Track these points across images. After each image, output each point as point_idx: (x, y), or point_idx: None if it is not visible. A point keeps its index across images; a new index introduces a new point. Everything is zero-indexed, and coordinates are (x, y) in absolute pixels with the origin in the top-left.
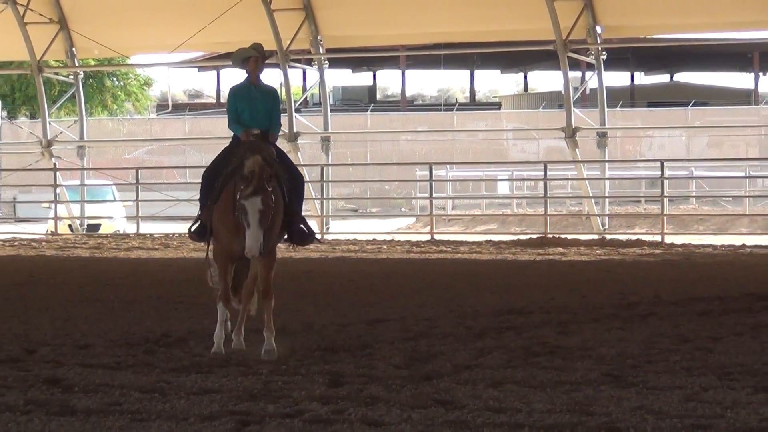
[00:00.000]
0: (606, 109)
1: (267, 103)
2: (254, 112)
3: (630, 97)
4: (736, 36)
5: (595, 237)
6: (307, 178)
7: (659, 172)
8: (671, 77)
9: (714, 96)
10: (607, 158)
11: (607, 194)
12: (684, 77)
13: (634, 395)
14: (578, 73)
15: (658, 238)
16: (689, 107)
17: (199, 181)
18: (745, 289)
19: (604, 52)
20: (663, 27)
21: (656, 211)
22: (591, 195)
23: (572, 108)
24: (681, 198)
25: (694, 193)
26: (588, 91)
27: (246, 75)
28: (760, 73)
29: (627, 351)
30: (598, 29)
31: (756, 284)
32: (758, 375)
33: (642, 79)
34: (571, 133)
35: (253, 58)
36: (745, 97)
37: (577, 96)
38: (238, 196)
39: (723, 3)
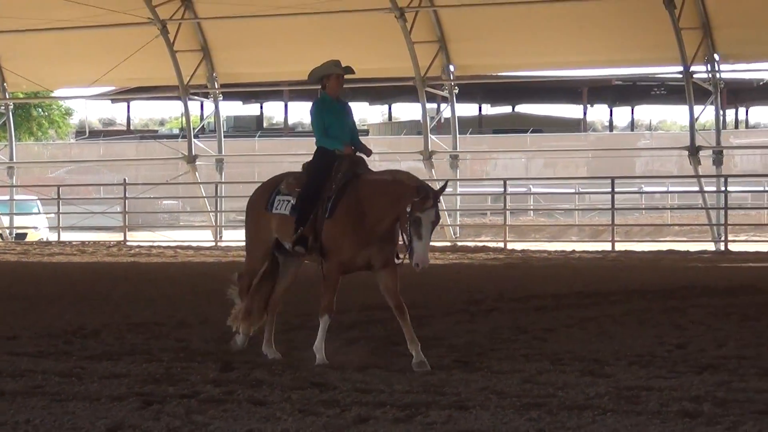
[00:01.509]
0: (458, 135)
1: (350, 118)
2: (341, 126)
3: (478, 125)
4: (568, 73)
5: (448, 244)
6: (203, 193)
7: (503, 189)
8: (513, 108)
9: (549, 124)
10: (458, 177)
11: (458, 207)
12: (524, 108)
13: (480, 378)
14: (434, 105)
15: (501, 245)
16: (528, 134)
17: (113, 196)
18: (575, 288)
19: (456, 87)
20: (506, 66)
21: (500, 222)
22: (445, 208)
23: (429, 134)
24: (521, 211)
25: (532, 207)
26: (443, 120)
27: (322, 90)
28: (588, 105)
29: (474, 341)
30: (451, 68)
31: (583, 284)
32: (585, 361)
33: (488, 109)
34: (428, 156)
35: (335, 75)
36: (576, 126)
37: (433, 124)
38: (409, 208)
39: (557, 45)
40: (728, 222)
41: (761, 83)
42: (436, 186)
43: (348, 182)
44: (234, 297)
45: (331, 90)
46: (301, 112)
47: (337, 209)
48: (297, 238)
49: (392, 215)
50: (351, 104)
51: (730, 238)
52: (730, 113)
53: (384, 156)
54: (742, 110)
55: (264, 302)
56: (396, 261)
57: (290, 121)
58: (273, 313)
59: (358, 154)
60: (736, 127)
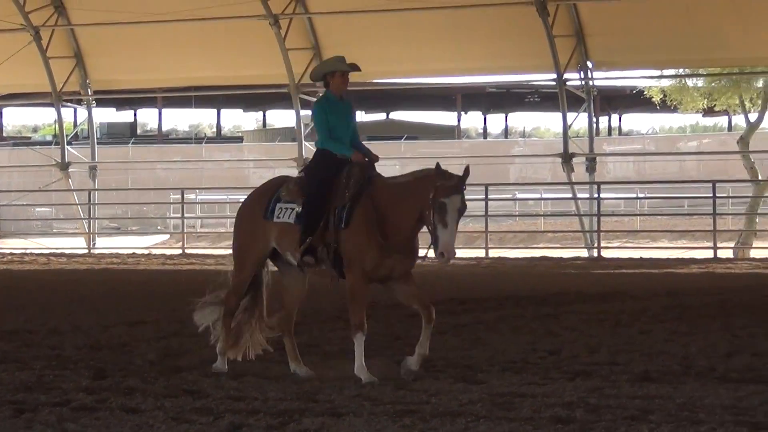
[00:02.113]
0: None
1: (353, 118)
2: (345, 127)
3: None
4: (442, 80)
5: None
6: (76, 200)
7: None
8: (387, 115)
9: (423, 131)
10: None
11: None
12: (398, 115)
13: (354, 385)
14: (309, 112)
15: None
16: (402, 141)
17: None
18: (448, 295)
19: None
20: (380, 73)
21: None
22: None
23: (303, 141)
24: None
25: None
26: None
27: (326, 89)
28: (462, 112)
29: (348, 348)
30: None
31: (457, 291)
32: (458, 367)
33: (363, 116)
34: (303, 163)
35: (339, 72)
36: (450, 132)
37: (307, 131)
38: (432, 195)
39: (431, 52)
40: (601, 228)
41: (634, 91)
42: None
43: (361, 189)
44: (205, 320)
45: (335, 88)
46: (175, 118)
47: (354, 217)
48: (305, 249)
49: (415, 214)
50: (224, 111)
51: (603, 244)
52: (603, 120)
53: (258, 163)
54: (615, 117)
55: (250, 321)
56: (418, 258)
57: (164, 128)
58: (290, 327)
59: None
60: (610, 134)
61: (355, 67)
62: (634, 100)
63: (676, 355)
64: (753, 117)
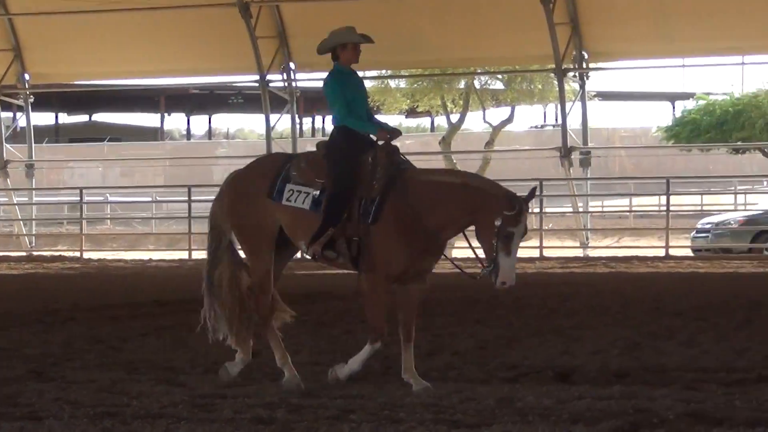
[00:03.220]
0: (33, 145)
1: (366, 93)
2: (362, 101)
3: (55, 134)
4: (145, 82)
5: (23, 254)
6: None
7: (79, 198)
8: (90, 117)
9: (127, 133)
10: (34, 186)
11: (34, 217)
12: (101, 117)
13: (54, 388)
14: (10, 114)
15: (78, 254)
16: (105, 143)
17: None
18: (151, 297)
19: (31, 96)
20: (82, 74)
21: (77, 232)
22: (20, 218)
23: (4, 143)
24: (98, 220)
25: (109, 216)
26: (18, 129)
27: (335, 61)
28: (166, 114)
29: (49, 351)
30: (26, 76)
31: (159, 292)
32: (160, 369)
33: (65, 118)
34: (2, 165)
35: (351, 44)
36: (153, 134)
37: (9, 133)
38: (499, 222)
39: (134, 54)
40: None
41: None
42: None
43: (392, 180)
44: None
45: (346, 61)
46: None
47: (384, 212)
48: (326, 244)
49: (462, 225)
50: None
51: None
52: (307, 121)
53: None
54: (318, 119)
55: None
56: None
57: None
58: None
59: (393, 142)
60: (314, 135)
61: (367, 39)
62: None
63: (378, 356)
64: (455, 118)
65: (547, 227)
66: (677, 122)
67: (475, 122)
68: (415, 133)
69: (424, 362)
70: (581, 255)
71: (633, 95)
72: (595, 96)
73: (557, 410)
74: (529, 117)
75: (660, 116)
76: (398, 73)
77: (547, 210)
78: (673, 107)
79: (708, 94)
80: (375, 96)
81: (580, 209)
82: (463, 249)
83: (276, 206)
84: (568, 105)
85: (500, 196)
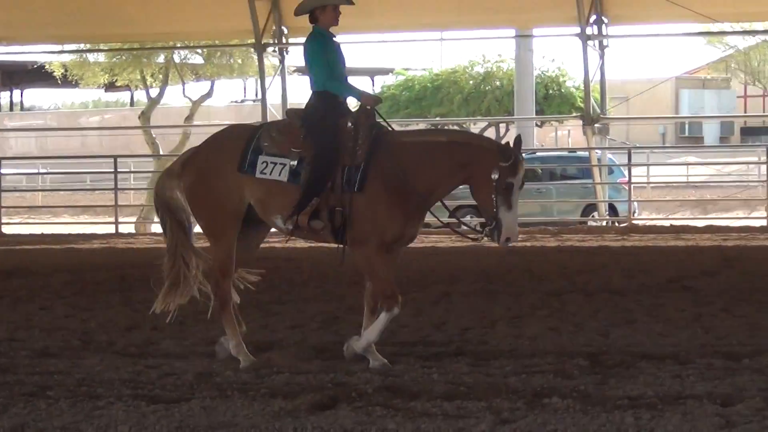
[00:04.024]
0: None
1: (344, 58)
2: (342, 66)
3: None
4: None
5: None
6: None
7: None
8: None
9: None
10: None
11: None
12: None
13: None
14: None
15: None
16: None
17: None
18: None
19: None
20: None
21: None
22: None
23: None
24: None
25: None
26: None
27: (314, 24)
28: None
29: None
30: None
31: None
32: None
33: None
34: None
35: (331, 5)
36: None
37: None
38: (496, 175)
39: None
40: (2, 205)
41: (35, 65)
42: None
43: (375, 144)
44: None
45: (326, 23)
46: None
47: (371, 180)
48: (312, 213)
49: (453, 184)
50: None
51: (4, 220)
52: (5, 96)
53: None
54: (17, 93)
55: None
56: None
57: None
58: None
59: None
60: (11, 109)
61: (349, 0)
62: (36, 75)
63: (76, 331)
64: (154, 92)
65: None
66: None
67: (175, 97)
68: (114, 107)
69: (122, 337)
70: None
71: None
72: (294, 71)
73: (256, 385)
74: (229, 91)
75: None
76: (97, 46)
77: None
78: (373, 82)
79: (407, 69)
80: (73, 70)
81: None
82: None
83: (246, 180)
84: (267, 80)
85: (492, 149)
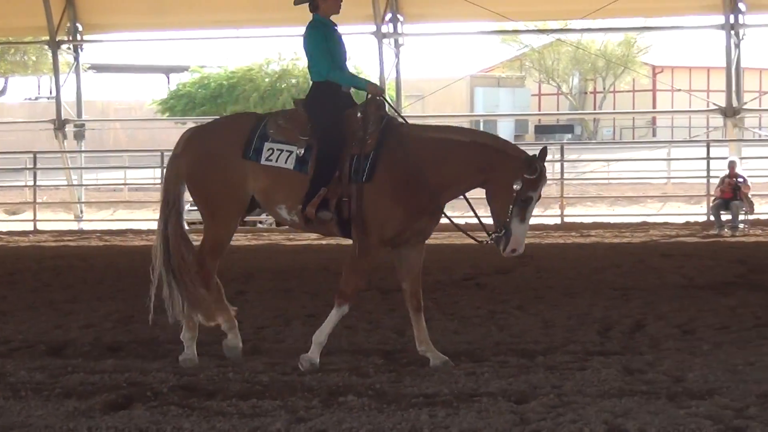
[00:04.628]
0: None
1: (345, 47)
2: (344, 55)
3: None
4: None
5: None
6: None
7: None
8: None
9: None
10: None
11: None
12: None
13: None
14: None
15: None
16: None
17: None
18: None
19: None
20: None
21: None
22: None
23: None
24: None
25: None
26: None
27: (314, 12)
28: None
29: None
30: None
31: None
32: None
33: None
34: None
35: None
36: None
37: None
38: (518, 186)
39: None
40: None
41: None
42: None
43: (385, 135)
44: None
45: (327, 11)
46: None
47: (379, 170)
48: (321, 202)
49: (468, 186)
50: None
51: None
52: None
53: None
54: None
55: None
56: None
57: None
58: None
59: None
60: None
61: None
62: None
63: None
64: None
65: (41, 200)
66: (172, 95)
67: None
68: None
69: None
70: (76, 228)
71: (128, 68)
72: (89, 68)
73: (50, 385)
74: (23, 89)
75: (155, 89)
76: None
77: (42, 183)
78: (168, 80)
79: (203, 67)
80: None
81: (75, 182)
82: None
83: (252, 166)
84: (62, 77)
85: (521, 158)
